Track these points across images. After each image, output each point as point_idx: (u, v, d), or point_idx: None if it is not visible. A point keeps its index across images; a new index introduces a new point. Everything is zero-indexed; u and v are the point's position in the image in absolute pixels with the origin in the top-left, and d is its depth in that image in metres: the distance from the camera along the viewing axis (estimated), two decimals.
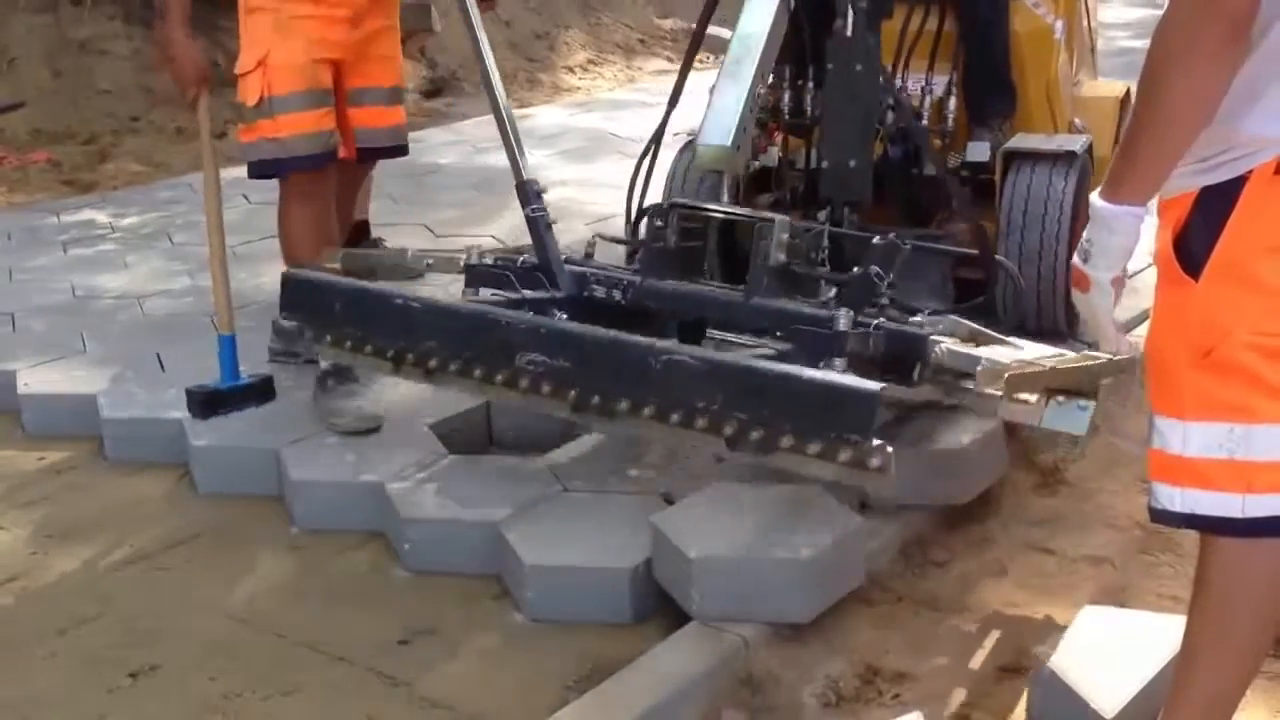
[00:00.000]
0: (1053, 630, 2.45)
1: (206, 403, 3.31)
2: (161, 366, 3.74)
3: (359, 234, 4.05)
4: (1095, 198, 1.75)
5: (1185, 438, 1.74)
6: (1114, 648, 2.28)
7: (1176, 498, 1.76)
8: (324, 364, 3.33)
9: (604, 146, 6.83)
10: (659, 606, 2.59)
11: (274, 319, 3.55)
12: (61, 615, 2.69)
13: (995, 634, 2.48)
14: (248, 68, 3.34)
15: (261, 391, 3.41)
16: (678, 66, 9.56)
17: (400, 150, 3.70)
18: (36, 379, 3.67)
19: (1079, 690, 2.16)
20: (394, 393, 3.41)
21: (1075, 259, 1.81)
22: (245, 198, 5.80)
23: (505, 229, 5.21)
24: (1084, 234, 1.79)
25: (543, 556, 2.64)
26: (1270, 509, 1.71)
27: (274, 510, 3.11)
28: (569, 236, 4.94)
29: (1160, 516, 1.81)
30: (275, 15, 3.32)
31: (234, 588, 2.79)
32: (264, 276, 4.44)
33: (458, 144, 6.82)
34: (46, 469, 3.38)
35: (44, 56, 7.61)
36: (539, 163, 6.36)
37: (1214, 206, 1.67)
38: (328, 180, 3.50)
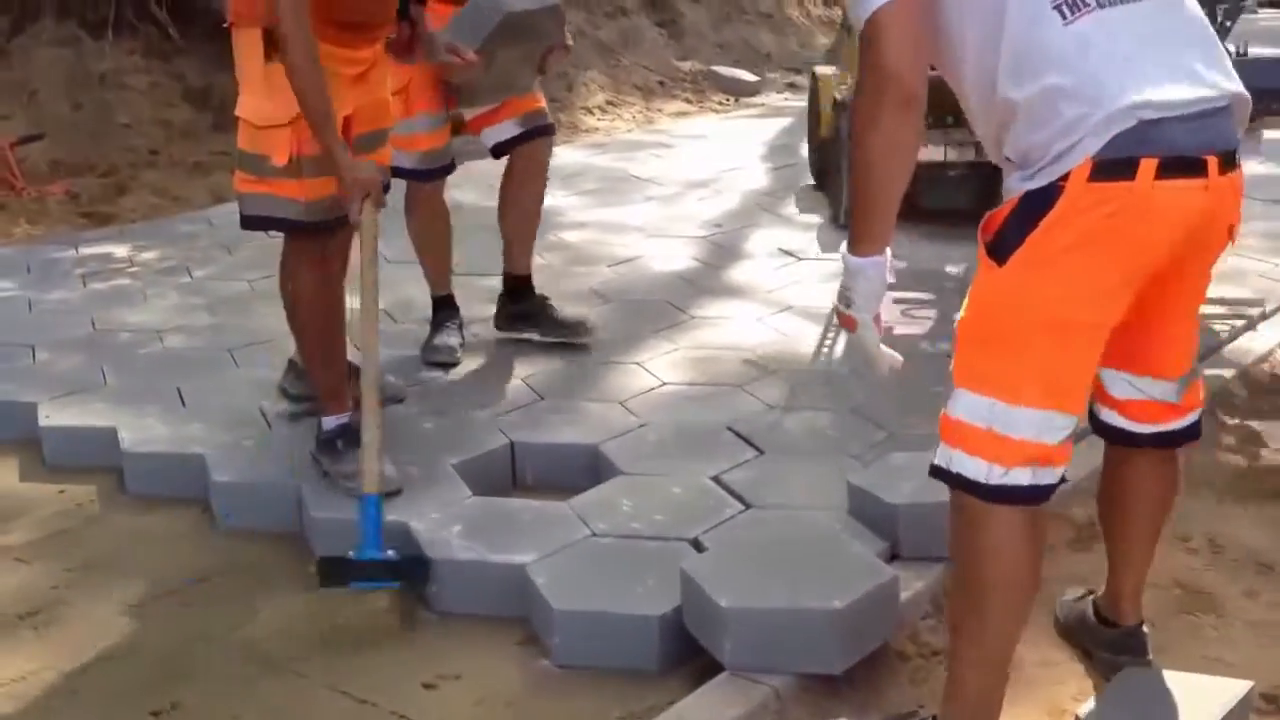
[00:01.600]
0: (1090, 689, 2.42)
1: (340, 572, 2.83)
2: (182, 401, 3.72)
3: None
4: (845, 251, 2.11)
5: (957, 404, 2.01)
6: (1151, 707, 2.25)
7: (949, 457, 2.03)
8: (330, 425, 3.25)
9: (624, 187, 6.86)
10: (687, 655, 2.56)
11: (291, 357, 3.56)
12: (84, 651, 2.66)
13: (1031, 692, 2.44)
14: (277, 120, 3.01)
15: (403, 572, 2.83)
16: (696, 108, 9.72)
17: (387, 187, 3.37)
18: (57, 412, 3.66)
19: None
20: (414, 439, 3.40)
21: (839, 304, 2.16)
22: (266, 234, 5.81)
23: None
24: (841, 283, 2.13)
25: (571, 602, 2.61)
26: (1015, 480, 1.98)
27: (295, 547, 3.08)
28: (592, 280, 4.97)
29: (934, 472, 2.07)
30: None
31: (257, 626, 2.76)
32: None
33: (475, 181, 6.83)
34: (67, 502, 3.36)
35: (64, 89, 7.66)
36: (559, 204, 6.39)
37: (1033, 207, 1.93)
38: (345, 240, 3.30)
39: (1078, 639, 2.56)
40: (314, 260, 3.22)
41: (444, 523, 2.95)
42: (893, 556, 2.77)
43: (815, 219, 6.00)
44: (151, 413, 3.62)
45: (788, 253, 5.41)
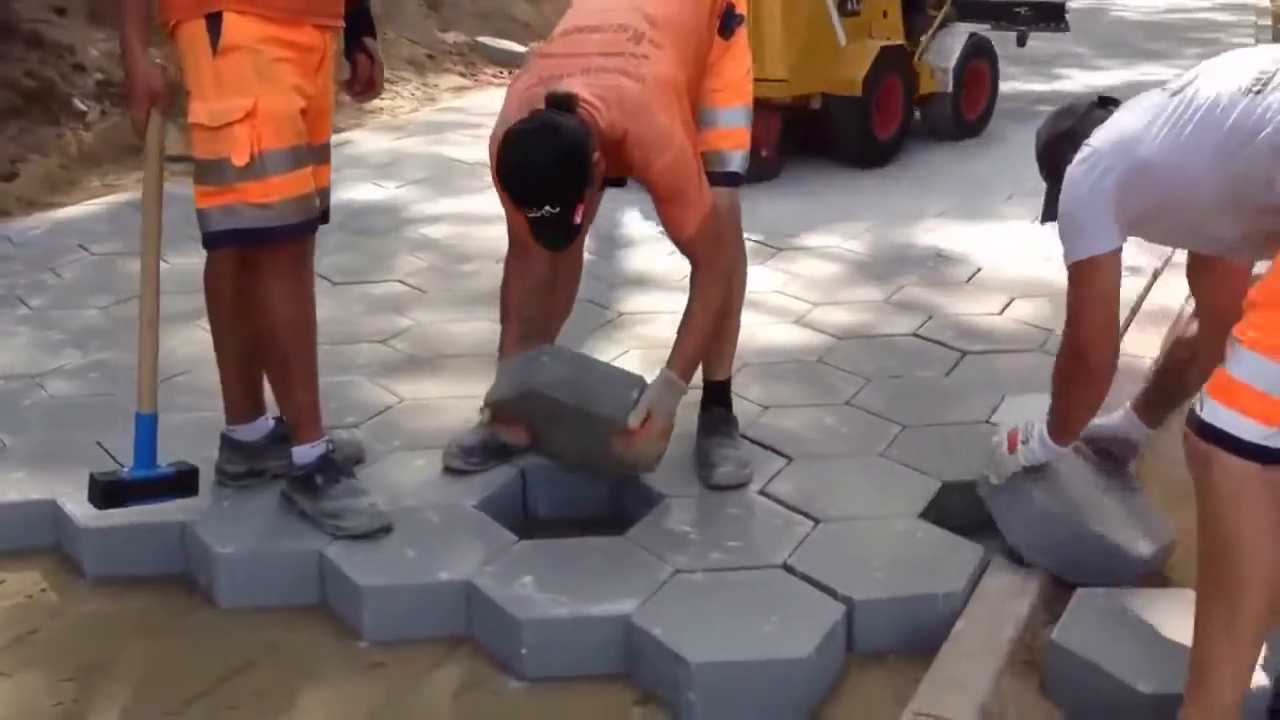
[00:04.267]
0: None
1: (108, 493, 2.80)
2: (114, 459, 3.23)
3: None
4: (1046, 435, 2.64)
5: (1241, 365, 1.97)
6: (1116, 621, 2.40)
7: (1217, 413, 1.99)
8: (307, 457, 2.90)
9: (455, 174, 6.50)
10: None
11: (223, 431, 3.11)
12: None
13: None
14: (232, 117, 2.68)
15: (180, 485, 2.86)
16: (472, 82, 9.36)
17: (326, 216, 3.05)
18: None
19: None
20: (414, 482, 3.08)
21: (1020, 436, 2.68)
22: (84, 248, 5.19)
23: (409, 270, 4.85)
24: (1030, 437, 2.66)
25: (705, 652, 2.39)
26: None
27: (325, 623, 2.73)
28: (486, 280, 4.65)
29: (1200, 428, 1.99)
30: (256, 57, 2.70)
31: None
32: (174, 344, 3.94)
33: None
34: (13, 594, 2.85)
35: None
36: (401, 196, 6.00)
37: None
38: (311, 250, 3.00)
39: None
40: (288, 273, 2.85)
41: (507, 575, 2.67)
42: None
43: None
44: (83, 478, 3.11)
45: None
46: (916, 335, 4.07)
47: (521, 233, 2.89)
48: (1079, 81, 8.75)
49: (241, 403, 3.08)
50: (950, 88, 6.98)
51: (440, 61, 9.74)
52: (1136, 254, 4.15)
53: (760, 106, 6.12)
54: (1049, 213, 2.66)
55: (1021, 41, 8.12)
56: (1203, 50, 10.43)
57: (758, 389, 3.59)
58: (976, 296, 4.47)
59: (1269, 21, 12.43)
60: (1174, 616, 2.37)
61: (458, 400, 3.59)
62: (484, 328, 4.20)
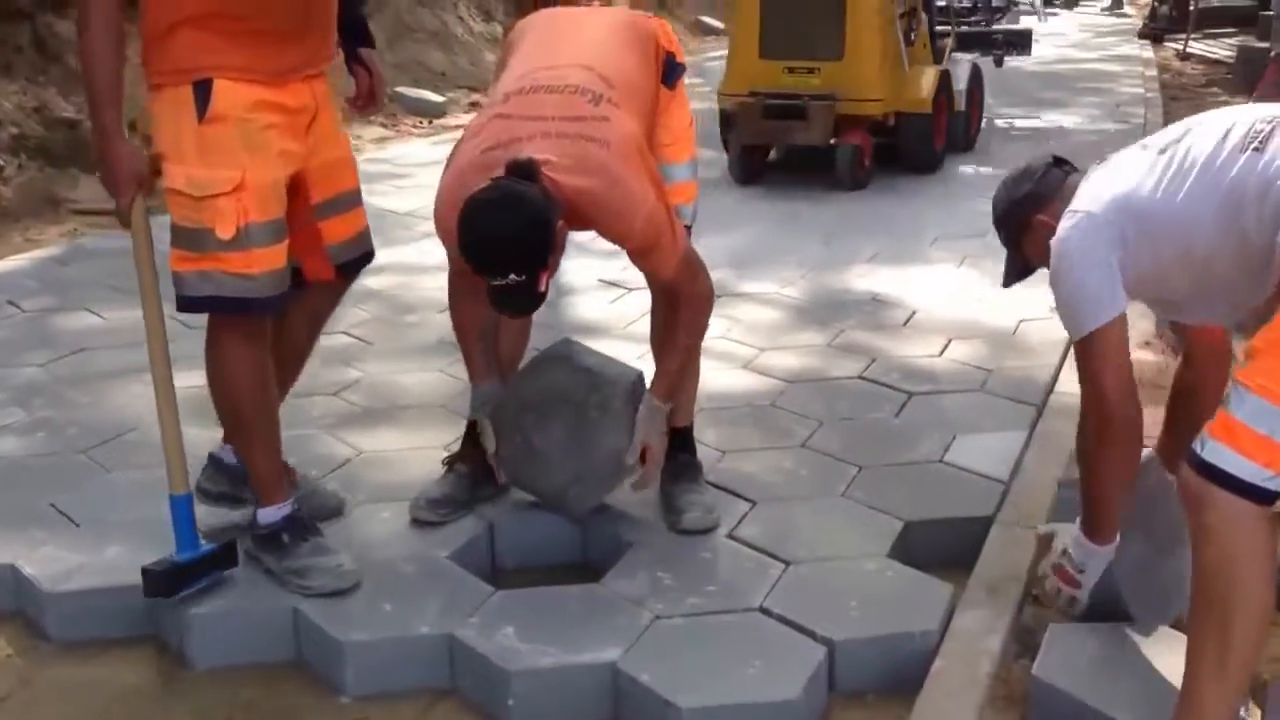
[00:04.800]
0: None
1: (172, 582, 2.77)
2: (72, 521, 3.18)
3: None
4: (1082, 538, 2.49)
5: (1244, 408, 2.00)
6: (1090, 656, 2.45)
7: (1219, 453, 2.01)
8: (272, 518, 2.89)
9: (388, 224, 6.40)
10: None
11: (213, 451, 3.11)
12: None
13: None
14: (219, 189, 2.63)
15: (225, 559, 2.87)
16: (394, 133, 9.36)
17: (370, 256, 3.11)
18: None
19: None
20: (384, 535, 3.08)
21: (1062, 563, 2.54)
22: (15, 305, 5.10)
23: (354, 321, 4.83)
24: (1065, 552, 2.53)
25: (694, 697, 2.42)
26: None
27: (302, 679, 2.71)
28: (431, 331, 4.66)
29: (1200, 467, 2.02)
30: (245, 126, 2.63)
31: None
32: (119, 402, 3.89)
33: None
34: None
35: None
36: None
37: None
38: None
39: None
40: (251, 338, 2.81)
41: (488, 626, 2.67)
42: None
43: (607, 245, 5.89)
44: (42, 539, 3.07)
45: (611, 284, 5.31)
46: (863, 378, 4.16)
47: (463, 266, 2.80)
48: (986, 130, 9.02)
49: None
50: (963, 106, 8.12)
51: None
52: None
53: (858, 123, 7.28)
54: (1011, 276, 2.68)
55: (999, 62, 9.76)
56: (1099, 99, 10.85)
57: (714, 433, 3.64)
58: (915, 339, 4.59)
59: (1154, 72, 12.90)
60: (1146, 650, 2.46)
61: (416, 451, 3.60)
62: (434, 378, 4.23)
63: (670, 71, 3.11)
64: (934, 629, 2.64)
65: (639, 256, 2.88)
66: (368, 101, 3.15)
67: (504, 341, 3.26)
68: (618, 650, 2.57)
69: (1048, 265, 2.44)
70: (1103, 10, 22.49)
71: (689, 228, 3.17)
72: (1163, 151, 2.32)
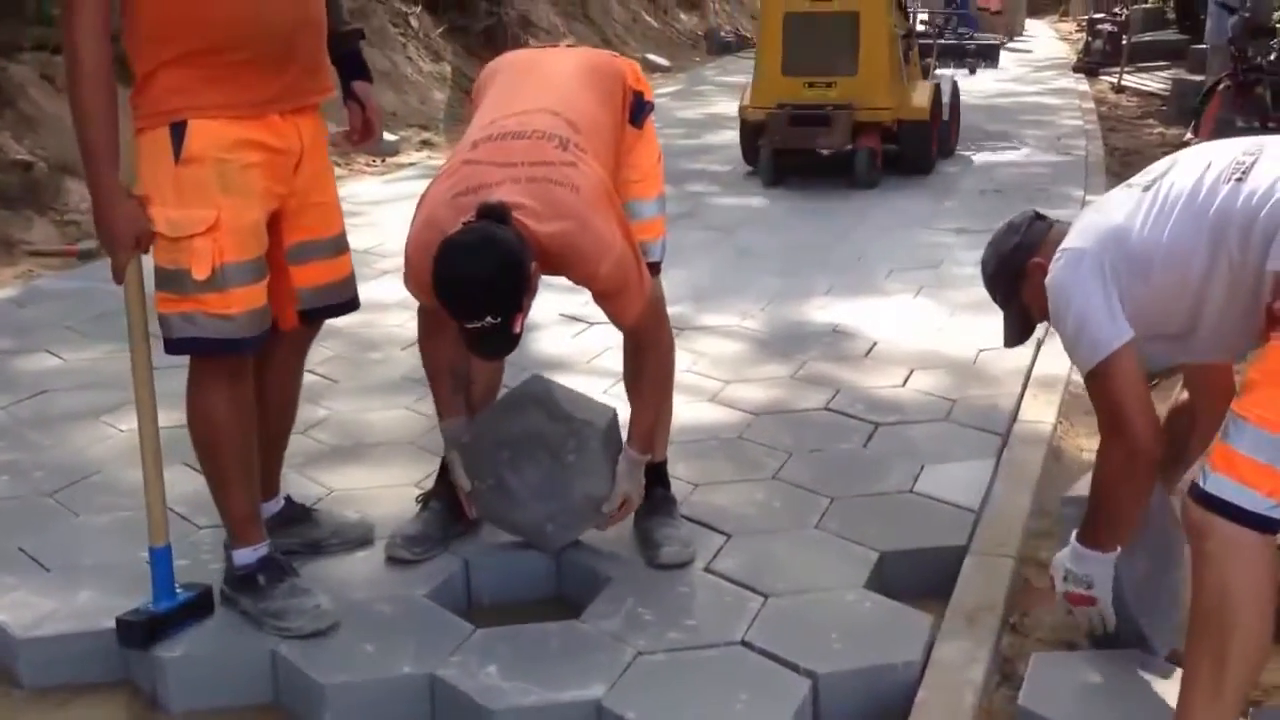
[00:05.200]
0: None
1: (149, 633, 2.75)
2: (41, 565, 3.13)
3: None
4: (1087, 551, 2.51)
5: (1244, 438, 2.04)
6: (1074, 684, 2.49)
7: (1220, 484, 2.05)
8: (247, 560, 2.87)
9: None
10: None
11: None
12: None
13: None
14: (193, 229, 2.63)
15: (201, 607, 2.87)
16: (348, 171, 9.34)
17: (352, 304, 3.06)
18: None
19: None
20: (351, 573, 3.06)
21: (1069, 587, 2.55)
22: None
23: (318, 359, 4.80)
24: (1070, 570, 2.54)
25: None
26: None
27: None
28: (396, 368, 4.55)
29: (1200, 497, 2.07)
30: (221, 167, 2.63)
31: None
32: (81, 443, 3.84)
33: None
34: None
35: None
36: None
37: None
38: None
39: None
40: (230, 378, 2.80)
41: (470, 665, 2.66)
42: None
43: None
44: (12, 584, 3.02)
45: (573, 318, 5.32)
46: (829, 409, 4.20)
47: (432, 305, 2.82)
48: (942, 166, 9.17)
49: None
50: (947, 116, 9.34)
51: None
52: None
53: (871, 129, 8.40)
54: (1012, 336, 2.70)
55: (973, 70, 11.42)
56: (1042, 132, 11.04)
57: (685, 467, 3.66)
58: (878, 370, 4.64)
59: (1091, 105, 13.15)
60: (1130, 677, 2.49)
61: (386, 490, 3.58)
62: (400, 415, 4.21)
63: (639, 110, 3.14)
64: (916, 660, 2.67)
65: (605, 299, 2.89)
66: (363, 135, 3.13)
67: (477, 381, 3.26)
68: (601, 687, 2.57)
69: (1048, 314, 2.46)
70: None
71: (659, 263, 3.20)
72: (1147, 188, 2.38)
